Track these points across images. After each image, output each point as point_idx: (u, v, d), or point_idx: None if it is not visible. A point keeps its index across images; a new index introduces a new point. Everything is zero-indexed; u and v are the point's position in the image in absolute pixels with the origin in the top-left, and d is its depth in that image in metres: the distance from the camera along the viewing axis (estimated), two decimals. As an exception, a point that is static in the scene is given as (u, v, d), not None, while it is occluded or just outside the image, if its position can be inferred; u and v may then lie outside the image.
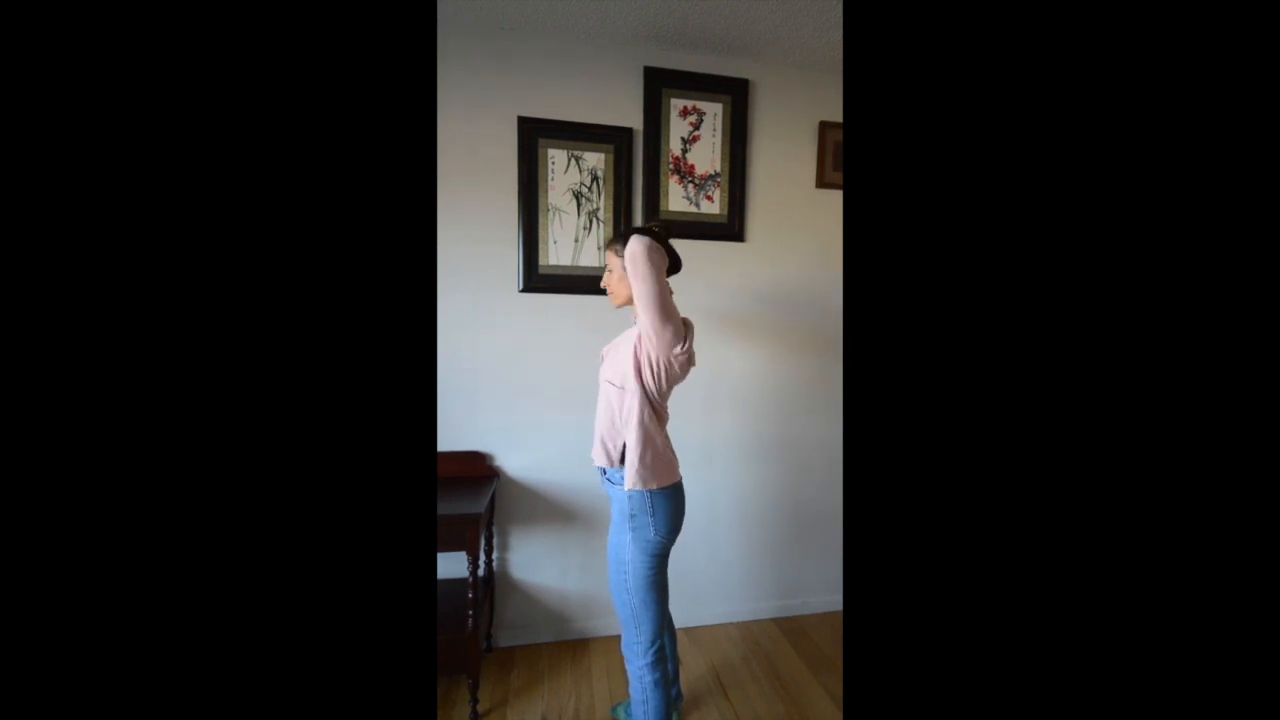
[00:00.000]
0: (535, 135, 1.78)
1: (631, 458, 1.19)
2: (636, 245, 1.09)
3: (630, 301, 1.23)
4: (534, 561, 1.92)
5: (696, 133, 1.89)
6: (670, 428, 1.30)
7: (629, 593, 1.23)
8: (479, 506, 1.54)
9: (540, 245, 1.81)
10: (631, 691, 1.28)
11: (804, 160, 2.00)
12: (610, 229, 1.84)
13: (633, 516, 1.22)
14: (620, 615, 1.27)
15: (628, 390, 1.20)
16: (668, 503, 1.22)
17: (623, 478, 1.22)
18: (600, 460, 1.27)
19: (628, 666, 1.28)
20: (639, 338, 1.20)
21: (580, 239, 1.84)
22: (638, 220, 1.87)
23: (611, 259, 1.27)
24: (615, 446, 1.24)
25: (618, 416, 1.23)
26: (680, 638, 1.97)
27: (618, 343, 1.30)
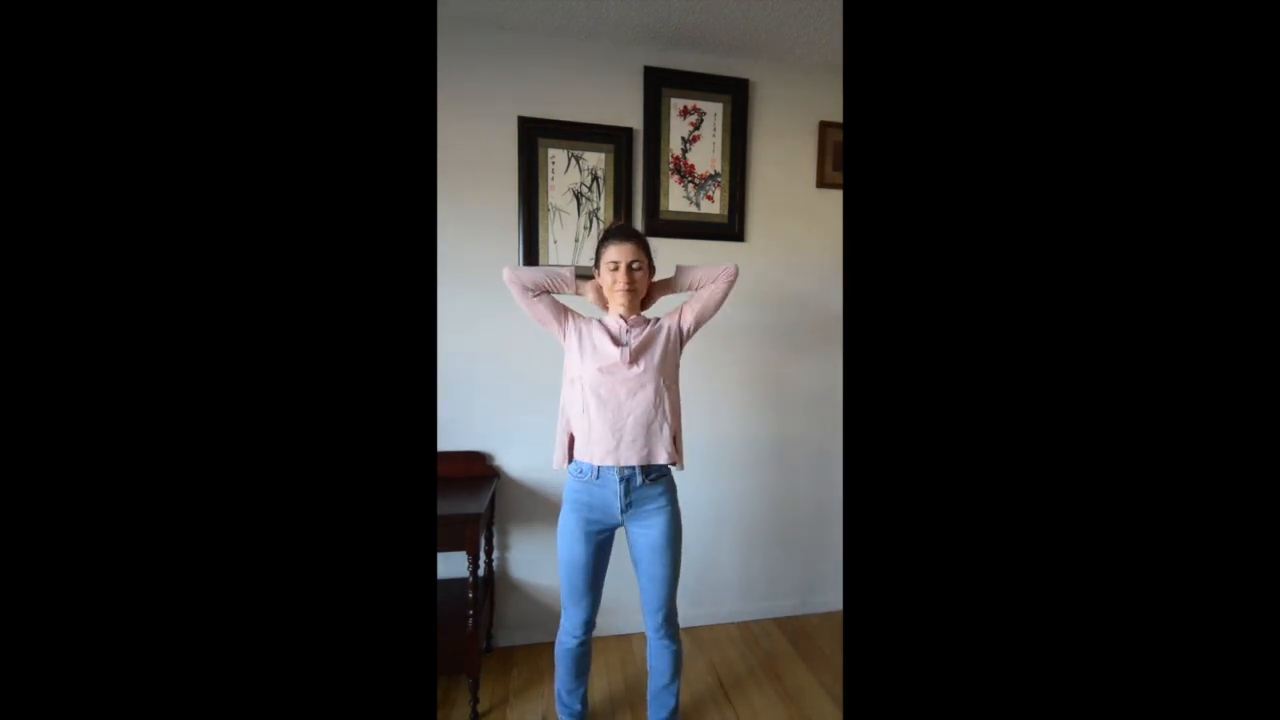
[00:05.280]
0: (535, 135, 1.77)
1: (680, 440, 1.32)
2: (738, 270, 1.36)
3: (642, 298, 1.35)
4: (534, 561, 1.91)
5: (697, 133, 1.89)
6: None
7: (676, 569, 1.32)
8: (479, 506, 1.54)
9: (540, 245, 1.81)
10: (663, 664, 1.36)
11: (804, 160, 2.00)
12: (610, 229, 1.85)
13: (672, 491, 1.33)
14: (653, 603, 1.32)
15: (674, 383, 1.33)
16: None
17: (668, 471, 1.32)
18: (676, 458, 1.31)
19: (662, 643, 1.35)
20: (669, 334, 1.32)
21: (580, 239, 1.84)
22: (638, 221, 1.88)
23: (636, 253, 1.28)
24: (678, 439, 1.32)
25: (677, 406, 1.33)
26: (681, 637, 1.97)
27: (643, 341, 1.29)
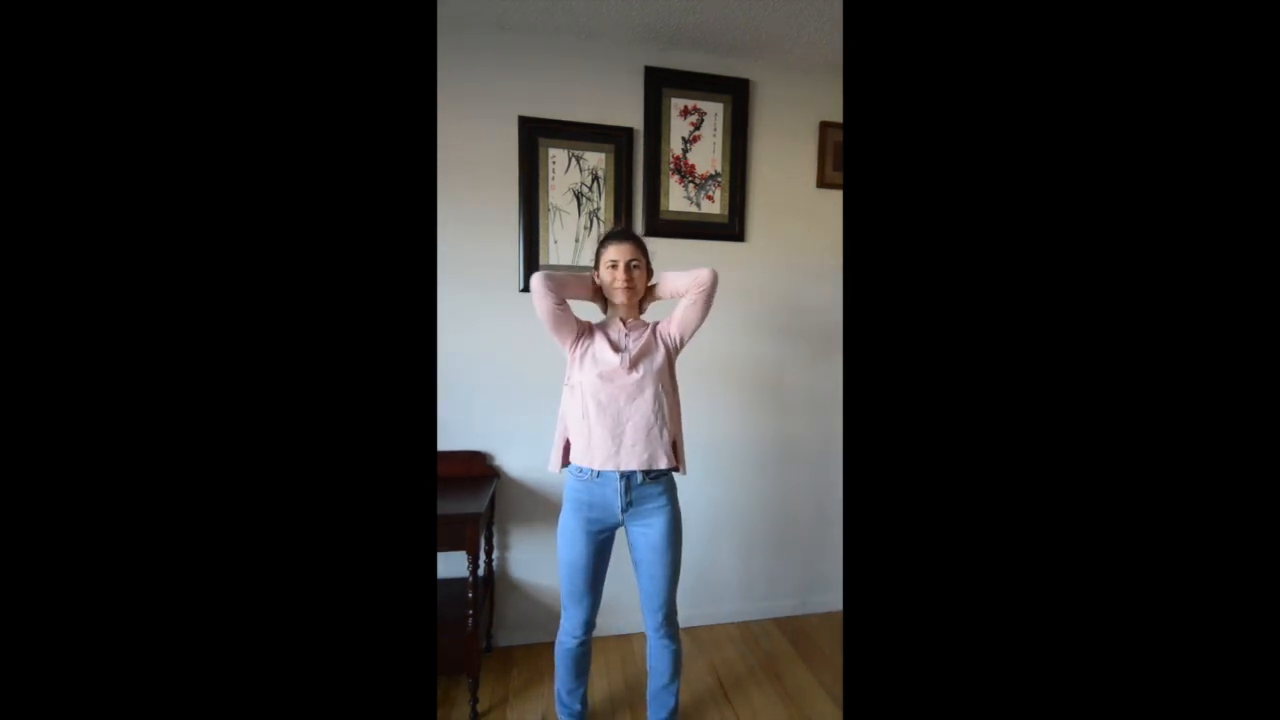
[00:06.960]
0: (535, 135, 1.77)
1: (681, 446, 1.33)
2: (716, 275, 1.30)
3: (640, 298, 1.35)
4: (534, 561, 1.91)
5: (697, 133, 1.89)
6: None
7: (676, 568, 1.33)
8: (479, 506, 1.54)
9: (541, 245, 1.81)
10: (663, 664, 1.37)
11: (804, 160, 2.00)
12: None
13: (672, 491, 1.33)
14: (653, 603, 1.33)
15: (672, 388, 1.33)
16: None
17: (669, 472, 1.32)
18: (677, 463, 1.32)
19: (662, 643, 1.35)
20: (665, 341, 1.33)
21: (581, 239, 1.84)
22: (638, 220, 1.88)
23: (634, 253, 1.30)
24: (679, 444, 1.32)
25: (676, 412, 1.33)
26: (681, 637, 1.97)
27: (642, 348, 1.30)
